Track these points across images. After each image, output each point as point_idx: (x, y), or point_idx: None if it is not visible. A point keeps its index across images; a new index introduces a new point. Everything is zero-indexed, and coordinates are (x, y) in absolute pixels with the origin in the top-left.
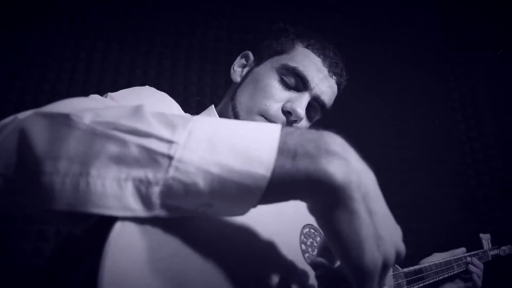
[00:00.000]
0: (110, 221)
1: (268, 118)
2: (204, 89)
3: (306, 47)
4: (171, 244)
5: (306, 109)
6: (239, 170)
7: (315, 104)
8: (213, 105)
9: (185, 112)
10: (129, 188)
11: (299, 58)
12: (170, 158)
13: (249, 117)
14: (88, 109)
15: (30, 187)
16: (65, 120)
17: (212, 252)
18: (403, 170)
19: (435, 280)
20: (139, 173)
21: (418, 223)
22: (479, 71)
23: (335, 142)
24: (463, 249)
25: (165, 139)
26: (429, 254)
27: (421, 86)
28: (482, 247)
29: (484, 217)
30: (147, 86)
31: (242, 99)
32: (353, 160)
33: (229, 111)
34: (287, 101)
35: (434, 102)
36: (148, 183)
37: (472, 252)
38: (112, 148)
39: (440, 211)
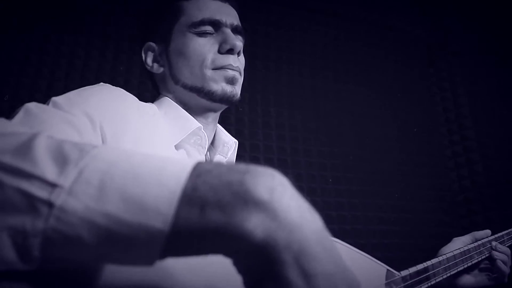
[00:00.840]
0: None
1: (220, 66)
2: None
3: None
4: None
5: None
6: (130, 222)
7: (234, 33)
8: (163, 95)
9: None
10: (3, 239)
11: (195, 11)
12: (51, 205)
13: (204, 78)
14: None
15: None
16: None
17: None
18: (386, 173)
19: (446, 276)
20: (15, 221)
21: (400, 225)
22: (461, 76)
23: (261, 186)
24: (488, 232)
25: (49, 182)
26: (412, 256)
27: (404, 90)
28: None
29: (465, 220)
30: (101, 83)
31: (186, 74)
32: (283, 211)
33: (182, 93)
34: (219, 44)
35: (416, 106)
36: (25, 234)
37: (499, 234)
38: None
39: (421, 214)
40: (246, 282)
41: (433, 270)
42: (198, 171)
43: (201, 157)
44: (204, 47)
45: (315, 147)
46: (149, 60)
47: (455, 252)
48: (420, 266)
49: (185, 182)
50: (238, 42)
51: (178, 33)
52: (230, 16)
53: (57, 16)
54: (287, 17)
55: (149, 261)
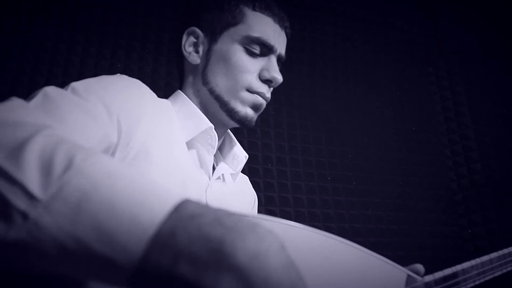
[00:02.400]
0: None
1: (254, 91)
2: None
3: (254, 9)
4: None
5: None
6: (97, 252)
7: (278, 63)
8: (179, 91)
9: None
10: None
11: (256, 25)
12: (26, 218)
13: (235, 95)
14: None
15: None
16: None
17: None
18: (384, 172)
19: (479, 282)
20: None
21: (399, 224)
22: (460, 74)
23: (241, 250)
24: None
25: (29, 192)
26: (410, 255)
27: (403, 89)
28: None
29: (464, 219)
30: (118, 74)
31: (218, 81)
32: (259, 283)
33: (206, 96)
34: (261, 70)
35: (415, 105)
36: None
37: None
38: None
39: (420, 213)
40: None
41: (463, 275)
42: (181, 214)
43: (210, 157)
44: (248, 66)
45: (313, 145)
46: (188, 46)
47: (492, 256)
48: (448, 271)
49: (160, 223)
50: (280, 77)
51: (229, 37)
52: (281, 46)
53: (54, 13)
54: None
55: (115, 285)
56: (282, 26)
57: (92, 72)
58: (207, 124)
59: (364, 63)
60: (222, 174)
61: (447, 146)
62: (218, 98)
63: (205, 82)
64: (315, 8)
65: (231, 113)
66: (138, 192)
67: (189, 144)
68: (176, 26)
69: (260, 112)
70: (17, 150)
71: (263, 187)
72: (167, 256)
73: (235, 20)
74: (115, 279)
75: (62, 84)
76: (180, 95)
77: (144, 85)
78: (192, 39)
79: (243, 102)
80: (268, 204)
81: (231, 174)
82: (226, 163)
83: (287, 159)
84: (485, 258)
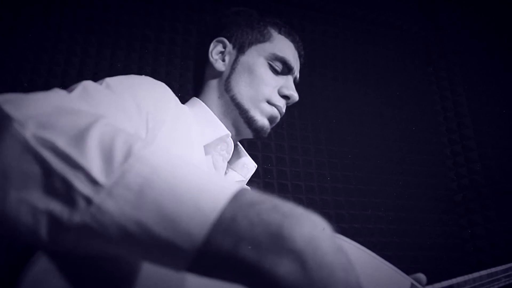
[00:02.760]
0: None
1: (273, 103)
2: (186, 85)
3: (280, 33)
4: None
5: None
6: (159, 236)
7: None
8: (195, 98)
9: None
10: (43, 221)
11: (281, 46)
12: (90, 202)
13: (255, 104)
14: (39, 115)
15: None
16: (7, 123)
17: None
18: (384, 172)
19: None
20: (56, 207)
21: (398, 224)
22: (460, 74)
23: (299, 234)
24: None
25: (92, 178)
26: (410, 255)
27: (403, 89)
28: None
29: (464, 219)
30: (143, 75)
31: (241, 89)
32: (315, 265)
33: (227, 102)
34: (281, 87)
35: (415, 105)
36: (61, 221)
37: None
38: (38, 171)
39: (419, 213)
40: None
41: None
42: (240, 201)
43: (224, 164)
44: (270, 80)
45: (313, 145)
46: (215, 53)
47: (482, 273)
48: (445, 283)
49: (222, 209)
50: (297, 95)
51: (256, 52)
52: (297, 70)
53: (54, 13)
54: (285, 16)
55: (172, 269)
56: (300, 53)
57: (92, 72)
58: (224, 131)
59: (364, 63)
60: None
61: (447, 146)
62: (239, 106)
63: (228, 89)
64: (315, 8)
65: (250, 121)
66: (197, 180)
67: (206, 151)
68: (203, 33)
69: (273, 125)
70: (78, 137)
71: (263, 187)
72: (229, 240)
73: (263, 38)
74: (175, 263)
75: (62, 83)
76: (197, 102)
77: (168, 88)
78: (220, 47)
79: (262, 112)
80: None
81: (237, 182)
82: (235, 171)
83: (287, 159)
84: (475, 274)
